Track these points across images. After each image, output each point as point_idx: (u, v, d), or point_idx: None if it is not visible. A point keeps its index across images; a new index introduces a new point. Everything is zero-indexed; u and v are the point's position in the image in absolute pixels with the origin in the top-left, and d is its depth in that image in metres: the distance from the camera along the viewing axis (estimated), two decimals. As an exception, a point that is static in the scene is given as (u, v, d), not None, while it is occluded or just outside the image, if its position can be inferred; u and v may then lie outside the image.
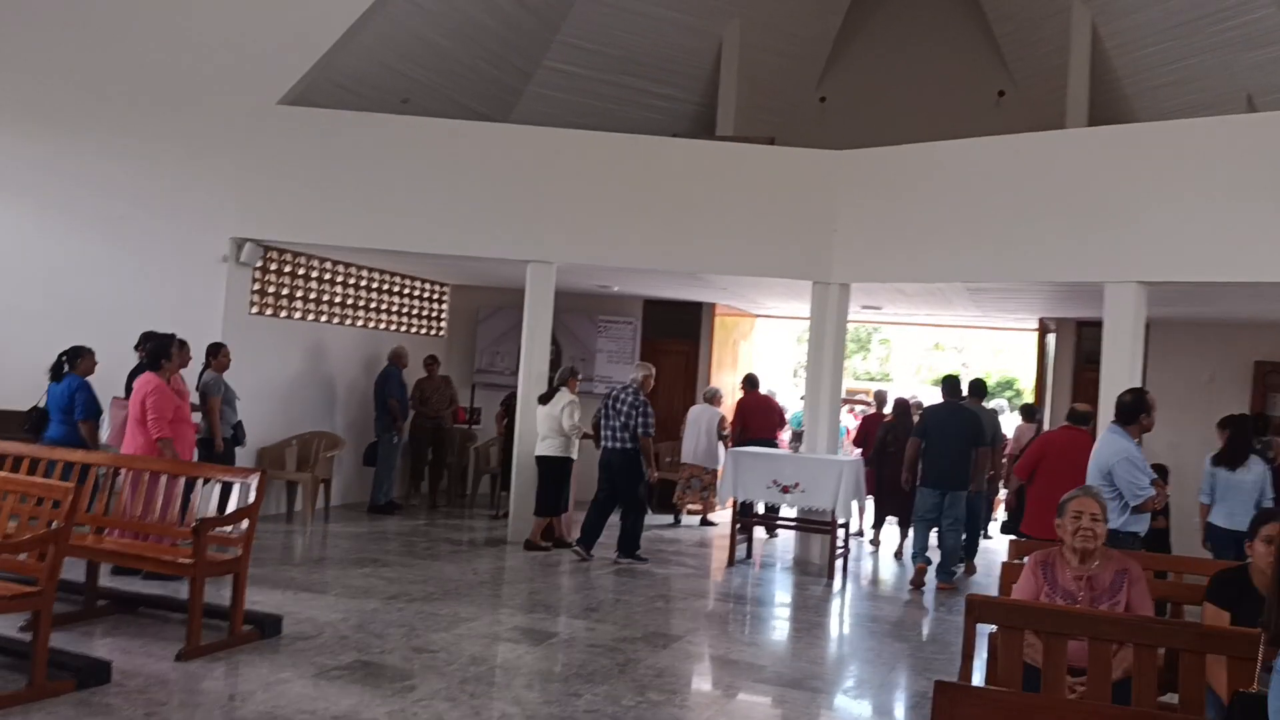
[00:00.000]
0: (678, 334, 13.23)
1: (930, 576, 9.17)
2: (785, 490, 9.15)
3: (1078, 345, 12.03)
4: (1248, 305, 9.34)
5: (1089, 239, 8.36)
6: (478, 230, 9.80)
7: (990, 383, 30.82)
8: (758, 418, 11.68)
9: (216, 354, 8.69)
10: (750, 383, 12.05)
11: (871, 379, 33.69)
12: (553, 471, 9.40)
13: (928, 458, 9.31)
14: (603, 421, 9.25)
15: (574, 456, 9.48)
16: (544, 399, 9.42)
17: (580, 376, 9.84)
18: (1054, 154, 8.83)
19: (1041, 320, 12.57)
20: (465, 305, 13.35)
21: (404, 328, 12.42)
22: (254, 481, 6.04)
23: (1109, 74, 11.27)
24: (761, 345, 16.20)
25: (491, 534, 10.19)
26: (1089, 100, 11.16)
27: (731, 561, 9.48)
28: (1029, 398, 13.81)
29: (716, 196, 9.85)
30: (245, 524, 5.95)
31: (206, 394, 8.50)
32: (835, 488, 8.98)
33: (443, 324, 13.28)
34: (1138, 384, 8.32)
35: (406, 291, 12.46)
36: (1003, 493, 11.46)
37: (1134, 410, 6.43)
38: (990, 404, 11.63)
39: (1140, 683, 3.52)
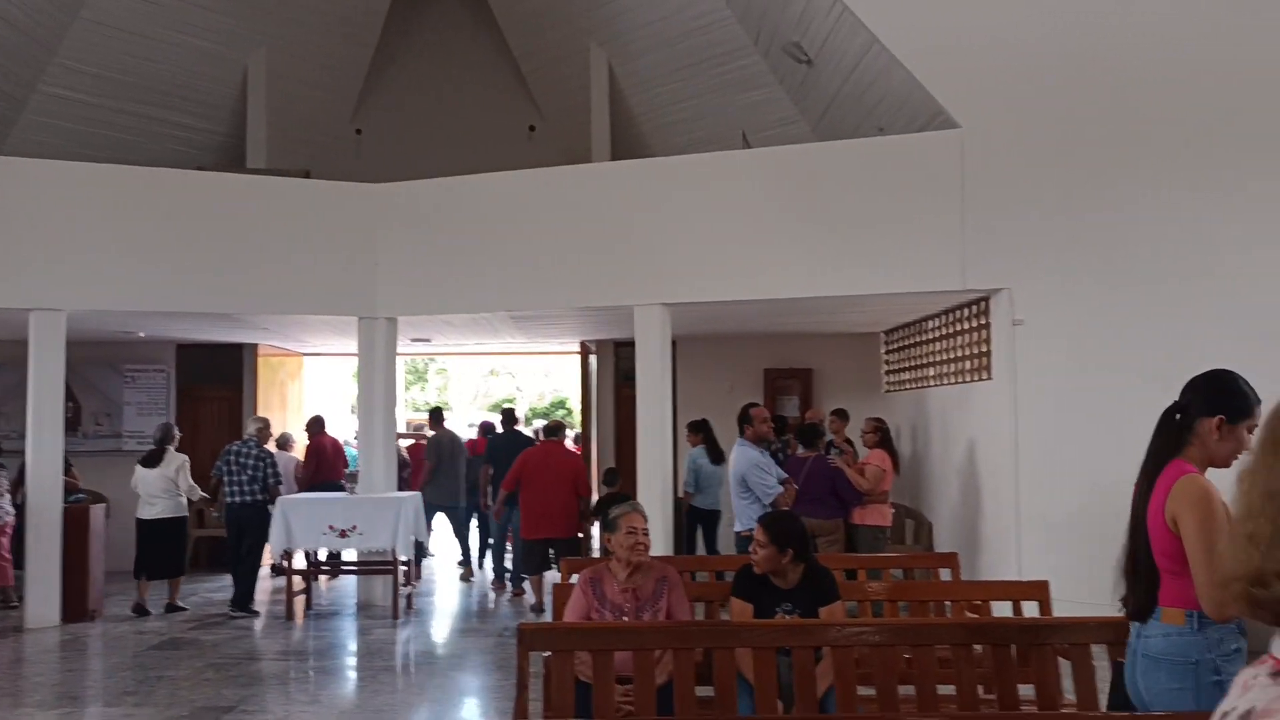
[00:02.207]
0: (217, 379, 12.38)
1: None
2: (343, 534, 8.93)
3: (616, 364, 12.77)
4: (756, 320, 10.42)
5: (617, 266, 8.92)
6: (-37, 277, 8.55)
7: (544, 404, 32.15)
8: (328, 460, 11.31)
9: None
10: (318, 425, 11.60)
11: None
12: (169, 533, 9.23)
13: (497, 481, 9.92)
14: (227, 478, 9.15)
15: (187, 515, 9.47)
16: (150, 461, 9.20)
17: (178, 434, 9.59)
18: (581, 186, 9.33)
19: (583, 343, 13.22)
20: (-43, 363, 11.59)
21: (-125, 393, 10.55)
22: None
23: (627, 111, 12.14)
24: (313, 384, 15.60)
25: (4, 623, 8.91)
26: (611, 135, 11.99)
27: (290, 615, 9.00)
28: (579, 416, 14.52)
29: (251, 233, 9.35)
30: None
31: None
32: (394, 526, 8.89)
33: (-72, 386, 11.43)
34: (668, 397, 9.05)
35: (-124, 351, 10.60)
36: None
37: (741, 421, 7.83)
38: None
39: (680, 684, 3.75)
